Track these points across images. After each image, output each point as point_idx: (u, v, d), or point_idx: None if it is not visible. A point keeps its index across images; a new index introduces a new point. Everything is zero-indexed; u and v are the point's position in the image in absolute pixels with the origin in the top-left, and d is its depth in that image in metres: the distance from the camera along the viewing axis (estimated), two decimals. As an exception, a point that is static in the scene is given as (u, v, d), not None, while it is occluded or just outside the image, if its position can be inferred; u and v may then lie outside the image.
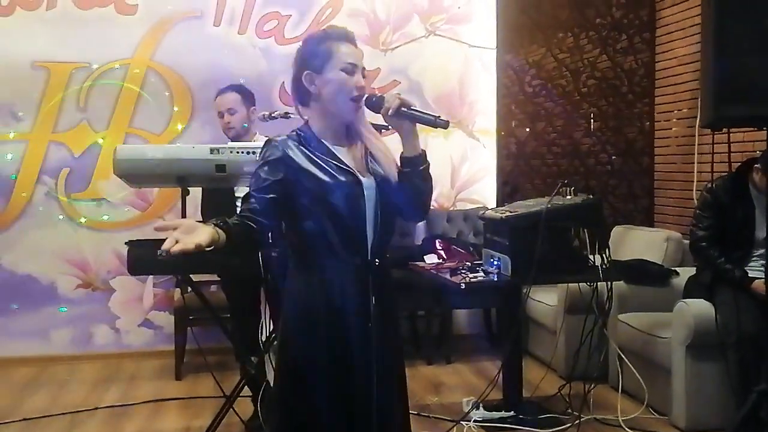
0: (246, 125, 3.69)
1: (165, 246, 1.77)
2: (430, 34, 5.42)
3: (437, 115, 2.06)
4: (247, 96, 3.73)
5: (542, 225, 3.33)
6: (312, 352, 2.07)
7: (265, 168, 2.04)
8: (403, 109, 2.04)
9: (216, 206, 3.51)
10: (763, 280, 3.45)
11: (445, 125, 2.05)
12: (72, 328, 5.06)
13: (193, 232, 1.82)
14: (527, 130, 5.45)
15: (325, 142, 2.09)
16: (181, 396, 4.29)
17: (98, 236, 5.07)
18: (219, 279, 4.99)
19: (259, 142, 3.52)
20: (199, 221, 1.93)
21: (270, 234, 2.33)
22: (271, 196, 2.01)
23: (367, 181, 2.08)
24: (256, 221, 1.99)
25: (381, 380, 2.08)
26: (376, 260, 2.08)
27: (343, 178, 2.04)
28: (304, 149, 2.06)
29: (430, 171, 2.14)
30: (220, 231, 1.88)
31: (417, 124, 2.07)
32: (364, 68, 2.11)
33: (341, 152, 2.10)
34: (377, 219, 2.08)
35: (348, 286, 2.07)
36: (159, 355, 5.01)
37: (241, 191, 3.68)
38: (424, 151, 2.12)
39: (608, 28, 5.45)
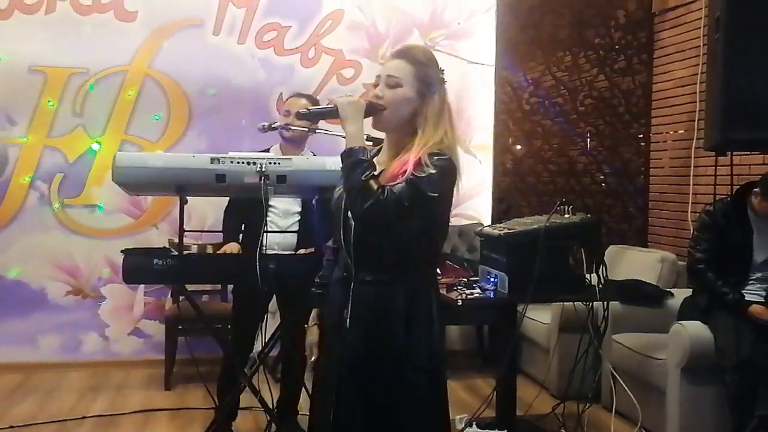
0: (305, 136, 3.58)
1: None
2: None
3: (332, 105, 2.10)
4: (315, 105, 3.62)
5: (541, 243, 3.31)
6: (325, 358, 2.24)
7: None
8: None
9: (243, 214, 3.48)
10: (760, 304, 3.46)
11: (334, 108, 2.09)
12: (61, 335, 5.00)
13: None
14: (519, 147, 5.44)
15: None
16: (171, 407, 4.24)
17: (90, 243, 5.01)
18: (211, 289, 5.00)
19: (260, 152, 3.49)
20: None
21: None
22: None
23: None
24: None
25: (347, 394, 2.08)
26: (361, 275, 2.07)
27: (338, 189, 2.14)
28: None
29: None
30: None
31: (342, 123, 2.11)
32: (378, 77, 2.15)
33: None
34: (351, 230, 2.09)
35: (335, 299, 2.14)
36: (148, 365, 4.95)
37: (273, 200, 3.60)
38: (347, 150, 2.05)
39: (607, 49, 5.47)
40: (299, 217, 3.60)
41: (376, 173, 2.03)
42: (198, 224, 4.94)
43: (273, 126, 3.36)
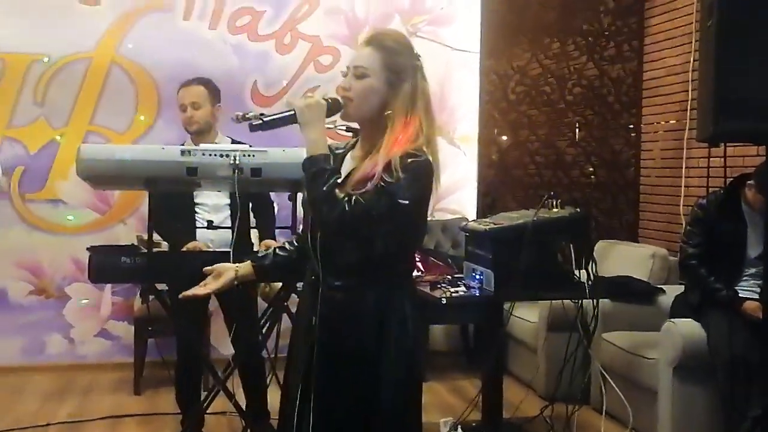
0: (210, 122, 3.64)
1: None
2: (411, 36, 5.39)
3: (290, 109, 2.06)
4: (214, 91, 3.69)
5: (527, 238, 3.33)
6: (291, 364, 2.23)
7: None
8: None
9: (171, 213, 3.44)
10: (754, 300, 3.49)
11: (291, 113, 2.05)
12: (23, 337, 4.96)
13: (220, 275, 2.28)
14: (504, 138, 5.46)
15: None
16: (140, 412, 4.22)
17: (54, 240, 4.97)
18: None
19: (227, 144, 3.49)
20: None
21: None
22: None
23: None
24: None
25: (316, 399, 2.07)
26: (329, 280, 2.06)
27: None
28: None
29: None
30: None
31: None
32: (348, 67, 2.12)
33: None
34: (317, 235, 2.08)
35: (304, 303, 2.16)
36: (117, 368, 4.92)
37: (202, 196, 3.63)
38: (308, 158, 2.03)
39: (596, 35, 5.49)
40: (229, 211, 3.60)
41: (340, 181, 2.01)
42: (168, 220, 4.90)
43: (247, 116, 3.34)
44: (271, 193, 3.74)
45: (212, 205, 3.65)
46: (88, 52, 4.97)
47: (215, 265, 2.30)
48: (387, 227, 1.98)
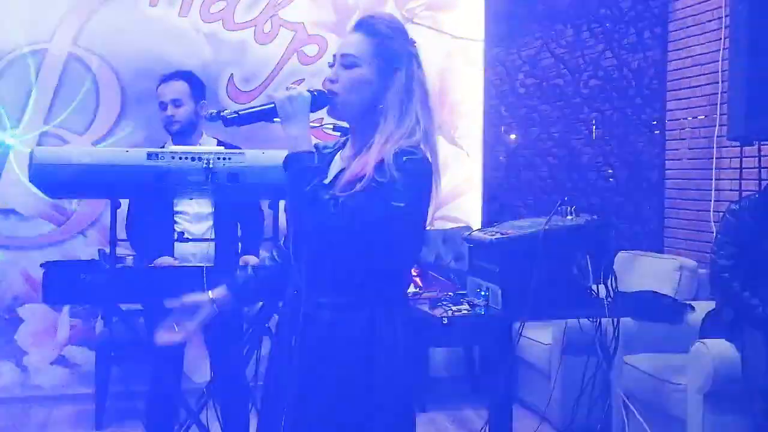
0: (194, 122, 3.64)
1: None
2: (406, 22, 5.39)
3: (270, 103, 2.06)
4: (198, 87, 3.70)
5: (539, 250, 3.33)
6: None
7: None
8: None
9: (147, 224, 3.43)
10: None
11: (271, 107, 2.04)
12: (-31, 366, 4.94)
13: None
14: (513, 137, 5.47)
15: None
16: (103, 449, 4.21)
17: (3, 254, 4.95)
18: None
19: (207, 145, 3.49)
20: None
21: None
22: None
23: None
24: None
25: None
26: (314, 296, 2.04)
27: None
28: None
29: None
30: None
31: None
32: (335, 56, 2.12)
33: None
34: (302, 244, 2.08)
35: (284, 320, 2.14)
36: (76, 400, 4.91)
37: (182, 204, 3.63)
38: (291, 155, 2.02)
39: (614, 21, 5.51)
40: (212, 221, 3.61)
41: (327, 182, 2.00)
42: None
43: (222, 113, 3.35)
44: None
45: (193, 214, 3.64)
46: (42, 44, 4.97)
47: (189, 297, 2.26)
48: (379, 235, 1.96)
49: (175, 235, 3.52)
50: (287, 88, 2.07)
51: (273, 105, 2.04)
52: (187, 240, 3.45)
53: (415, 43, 2.13)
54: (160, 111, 3.67)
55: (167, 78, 3.68)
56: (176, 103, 3.61)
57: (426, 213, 2.08)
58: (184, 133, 3.61)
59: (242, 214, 3.64)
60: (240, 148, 3.07)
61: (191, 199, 3.54)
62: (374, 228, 1.95)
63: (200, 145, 3.54)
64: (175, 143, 3.54)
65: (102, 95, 5.06)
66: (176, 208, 3.64)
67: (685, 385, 3.72)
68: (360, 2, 5.38)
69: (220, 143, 3.61)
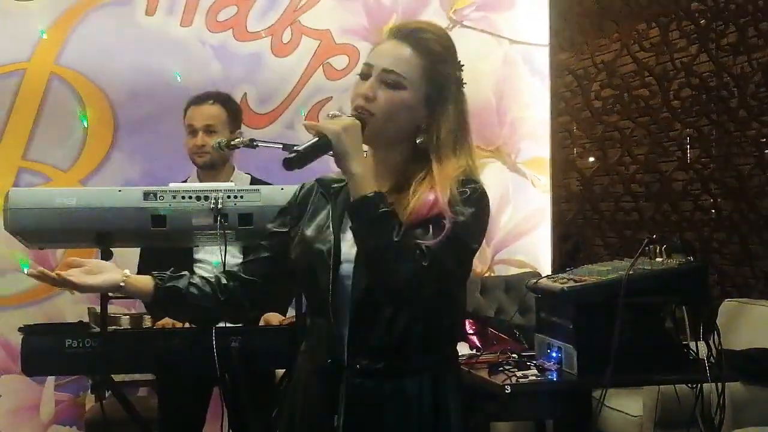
0: (226, 154, 3.68)
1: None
2: (454, 26, 5.46)
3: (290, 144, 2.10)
4: (235, 113, 3.76)
5: (622, 300, 3.32)
6: None
7: None
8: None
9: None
10: None
11: (324, 140, 1.98)
12: (-64, 451, 5.01)
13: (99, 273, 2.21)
14: (591, 160, 5.46)
15: None
16: None
17: (-24, 316, 5.04)
18: (150, 380, 5.00)
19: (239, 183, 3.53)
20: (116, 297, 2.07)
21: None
22: None
23: (347, 246, 2.07)
24: None
25: None
26: (359, 362, 2.04)
27: (309, 229, 2.16)
28: None
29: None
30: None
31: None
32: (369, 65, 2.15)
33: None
34: (348, 301, 2.06)
35: (311, 395, 2.12)
36: (63, 490, 4.94)
37: (203, 251, 3.65)
38: (360, 199, 1.97)
39: (710, 17, 5.50)
40: None
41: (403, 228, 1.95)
42: (130, 285, 4.94)
43: (233, 142, 3.39)
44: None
45: (217, 264, 3.64)
46: (19, 63, 5.05)
47: (89, 261, 2.30)
48: (455, 284, 2.01)
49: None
50: (329, 115, 2.05)
51: (324, 138, 1.98)
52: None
53: (463, 66, 2.15)
54: (187, 136, 3.74)
55: (200, 99, 3.75)
56: (209, 129, 3.66)
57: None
58: (214, 166, 3.66)
59: None
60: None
61: (197, 246, 3.57)
62: (453, 277, 1.99)
63: (231, 182, 3.57)
64: (201, 177, 3.59)
65: (90, 122, 5.11)
66: (195, 256, 3.68)
67: (811, 466, 3.67)
68: (399, 5, 5.42)
69: (254, 181, 3.64)
